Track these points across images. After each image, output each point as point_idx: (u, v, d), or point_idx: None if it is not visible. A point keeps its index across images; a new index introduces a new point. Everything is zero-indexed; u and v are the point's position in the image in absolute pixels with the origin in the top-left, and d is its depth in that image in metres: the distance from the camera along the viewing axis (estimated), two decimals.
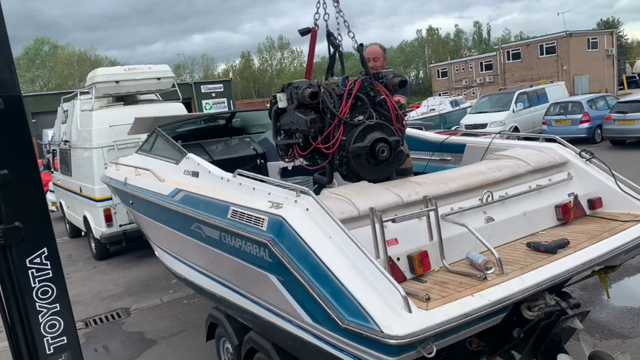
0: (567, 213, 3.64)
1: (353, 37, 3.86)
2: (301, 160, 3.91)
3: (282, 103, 3.81)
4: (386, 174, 3.63)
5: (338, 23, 3.84)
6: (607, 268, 3.45)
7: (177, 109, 9.39)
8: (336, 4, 3.84)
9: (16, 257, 2.68)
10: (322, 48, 4.06)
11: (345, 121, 3.47)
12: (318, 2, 3.79)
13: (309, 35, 4.06)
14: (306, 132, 3.59)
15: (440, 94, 44.93)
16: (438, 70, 57.37)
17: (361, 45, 3.95)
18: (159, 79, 9.51)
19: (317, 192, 3.11)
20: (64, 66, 64.92)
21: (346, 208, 2.93)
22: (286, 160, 3.98)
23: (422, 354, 2.29)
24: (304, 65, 4.65)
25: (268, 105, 4.11)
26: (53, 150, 11.41)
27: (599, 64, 42.86)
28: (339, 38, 3.86)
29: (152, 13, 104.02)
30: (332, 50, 3.96)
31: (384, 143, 3.44)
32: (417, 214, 2.98)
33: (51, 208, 11.79)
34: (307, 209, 2.80)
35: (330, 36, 3.89)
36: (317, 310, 2.57)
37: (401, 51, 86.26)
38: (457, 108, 27.61)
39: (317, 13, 3.81)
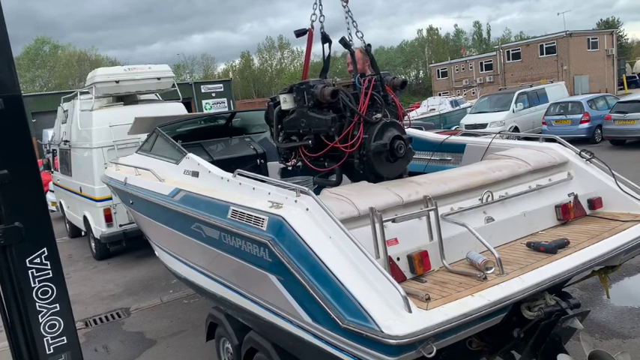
0: (567, 213, 3.64)
1: (361, 37, 3.87)
2: (299, 163, 3.90)
3: (286, 105, 3.79)
4: (400, 171, 3.68)
5: (347, 23, 3.86)
6: (607, 268, 3.45)
7: (177, 109, 9.39)
8: (344, 4, 3.85)
9: (16, 257, 2.68)
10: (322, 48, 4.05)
11: (366, 119, 3.49)
12: (315, 4, 3.81)
13: (306, 36, 4.06)
14: (326, 132, 3.59)
15: (440, 94, 44.92)
16: (438, 70, 57.36)
17: (369, 45, 3.97)
18: (159, 79, 9.51)
19: (317, 192, 3.11)
20: (64, 66, 64.92)
21: (346, 208, 2.93)
22: (289, 163, 3.97)
23: (422, 354, 2.29)
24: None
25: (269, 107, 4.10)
26: (53, 150, 11.41)
27: (599, 64, 42.85)
28: (350, 38, 3.87)
29: (152, 13, 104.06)
30: (327, 52, 3.97)
31: (400, 140, 3.50)
32: (417, 214, 2.99)
33: (51, 208, 11.79)
34: (307, 209, 2.80)
35: (326, 40, 3.91)
36: (317, 310, 2.57)
37: (401, 51, 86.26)
38: (457, 108, 27.61)
39: (313, 14, 3.83)
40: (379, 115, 3.53)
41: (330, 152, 3.67)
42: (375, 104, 3.64)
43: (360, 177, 3.62)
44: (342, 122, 3.58)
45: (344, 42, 3.85)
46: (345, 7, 3.85)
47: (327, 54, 3.99)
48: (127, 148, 8.13)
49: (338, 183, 3.79)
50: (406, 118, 4.09)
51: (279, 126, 3.95)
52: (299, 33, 4.06)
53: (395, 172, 3.64)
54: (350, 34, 3.86)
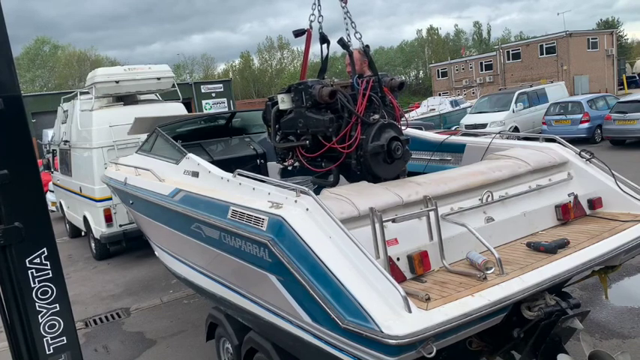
0: (567, 213, 3.64)
1: (360, 39, 3.87)
2: (297, 163, 3.90)
3: (284, 105, 3.79)
4: (397, 172, 3.68)
5: (346, 24, 3.86)
6: (607, 268, 3.45)
7: (177, 109, 9.39)
8: (343, 5, 3.85)
9: (15, 257, 2.68)
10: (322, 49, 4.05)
11: (363, 120, 3.50)
12: (314, 4, 3.81)
13: (305, 36, 4.06)
14: (324, 132, 3.59)
15: (440, 94, 44.92)
16: (438, 70, 57.35)
17: (367, 46, 3.97)
18: (159, 79, 9.51)
19: (317, 192, 3.11)
20: (64, 66, 64.92)
21: (346, 208, 2.93)
22: (286, 163, 3.98)
23: (422, 354, 2.29)
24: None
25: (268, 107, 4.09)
26: (53, 150, 11.40)
27: (599, 64, 42.84)
28: (349, 39, 3.87)
29: (151, 13, 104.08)
30: (325, 52, 3.97)
31: (398, 142, 3.51)
32: (417, 214, 2.99)
33: (51, 208, 11.79)
34: (307, 209, 2.80)
35: (324, 41, 3.91)
36: (317, 310, 2.57)
37: (401, 51, 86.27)
38: (457, 108, 27.62)
39: (312, 14, 3.83)
40: (377, 116, 3.54)
41: (328, 153, 3.67)
42: (373, 105, 3.65)
43: (357, 178, 3.63)
44: (339, 123, 3.58)
45: (342, 42, 3.85)
46: (343, 7, 3.85)
47: (325, 54, 3.99)
48: (127, 148, 8.12)
49: (335, 183, 3.79)
50: (403, 119, 4.09)
51: (277, 126, 3.96)
52: (298, 33, 4.07)
53: (392, 173, 3.64)
54: (348, 34, 3.86)
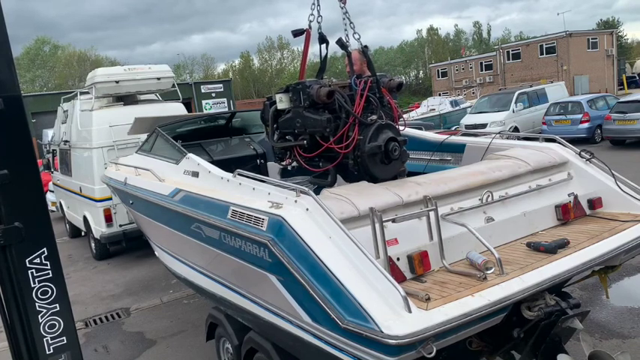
0: (567, 213, 3.64)
1: (358, 39, 3.87)
2: (294, 163, 3.91)
3: (282, 104, 3.80)
4: (394, 172, 3.68)
5: (345, 24, 3.86)
6: (607, 268, 3.45)
7: (177, 109, 9.39)
8: (342, 5, 3.85)
9: (15, 257, 2.68)
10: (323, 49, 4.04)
11: (361, 121, 3.50)
12: (313, 4, 3.81)
13: (304, 36, 4.06)
14: (321, 132, 3.59)
15: (440, 94, 44.93)
16: (438, 70, 57.35)
17: (366, 47, 3.97)
18: (159, 79, 9.51)
19: (317, 192, 3.11)
20: (64, 66, 64.94)
21: (346, 208, 2.93)
22: (283, 163, 3.98)
23: (422, 354, 2.29)
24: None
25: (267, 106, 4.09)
26: (53, 150, 11.41)
27: (599, 64, 42.85)
28: (347, 39, 3.87)
29: (151, 13, 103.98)
30: (324, 52, 3.98)
31: (395, 142, 3.51)
32: (417, 214, 2.99)
33: (51, 208, 11.79)
34: (307, 209, 2.80)
35: (323, 41, 3.91)
36: (317, 310, 2.57)
37: (401, 51, 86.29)
38: (457, 108, 27.61)
39: (311, 14, 3.83)
40: (374, 117, 3.54)
41: (325, 153, 3.67)
42: (371, 106, 3.65)
43: (355, 178, 3.63)
44: (337, 123, 3.59)
45: (340, 43, 3.85)
46: (342, 7, 3.85)
47: (324, 54, 3.99)
48: (127, 148, 8.13)
49: (332, 183, 3.79)
50: (402, 119, 4.09)
51: (275, 125, 3.96)
52: (296, 33, 4.07)
53: (389, 174, 3.64)
54: (347, 35, 3.86)
